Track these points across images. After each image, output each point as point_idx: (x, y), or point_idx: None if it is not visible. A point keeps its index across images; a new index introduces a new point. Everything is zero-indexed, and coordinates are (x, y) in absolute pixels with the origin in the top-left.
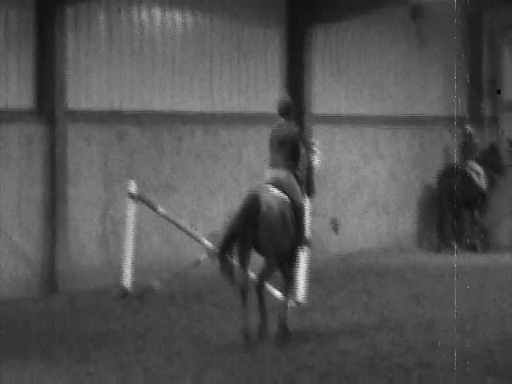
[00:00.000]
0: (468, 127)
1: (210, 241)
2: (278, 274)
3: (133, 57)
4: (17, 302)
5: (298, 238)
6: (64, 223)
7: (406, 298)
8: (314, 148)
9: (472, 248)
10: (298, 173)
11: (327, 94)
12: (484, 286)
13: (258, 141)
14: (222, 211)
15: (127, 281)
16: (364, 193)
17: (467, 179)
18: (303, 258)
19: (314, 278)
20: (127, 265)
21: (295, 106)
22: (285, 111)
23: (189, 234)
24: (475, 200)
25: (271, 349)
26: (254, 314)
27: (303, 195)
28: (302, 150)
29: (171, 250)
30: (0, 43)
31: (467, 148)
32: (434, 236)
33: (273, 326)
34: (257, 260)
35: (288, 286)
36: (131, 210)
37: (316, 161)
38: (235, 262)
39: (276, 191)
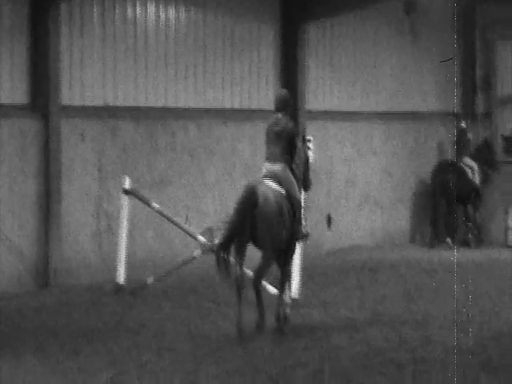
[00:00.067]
0: (462, 123)
1: (204, 236)
2: (272, 270)
3: (127, 52)
4: (10, 297)
5: (294, 231)
6: (58, 218)
7: (400, 293)
8: (309, 144)
9: (465, 243)
10: (294, 167)
11: (321, 90)
12: (477, 281)
13: (252, 136)
14: (216, 207)
15: (121, 276)
16: (358, 188)
17: (461, 175)
18: (297, 253)
19: (307, 273)
20: (121, 260)
21: (292, 100)
22: (282, 105)
23: (183, 229)
24: (469, 195)
25: (265, 344)
26: (249, 310)
27: (299, 189)
28: (299, 144)
29: (165, 245)
30: None
31: (461, 143)
32: (428, 231)
33: (270, 321)
34: (253, 257)
35: (284, 280)
36: (125, 205)
37: (311, 156)
38: (231, 258)
39: (272, 184)
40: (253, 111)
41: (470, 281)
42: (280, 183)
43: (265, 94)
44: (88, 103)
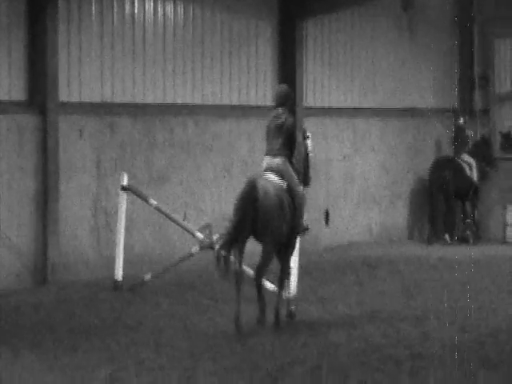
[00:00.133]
0: (460, 119)
1: (202, 233)
2: (271, 267)
3: (125, 49)
4: (8, 294)
5: (294, 225)
6: (56, 215)
7: (398, 289)
8: (308, 140)
9: (463, 240)
10: (293, 161)
11: (319, 86)
12: (476, 277)
13: (250, 132)
14: (214, 203)
15: (119, 273)
16: (355, 185)
17: (459, 171)
18: (295, 249)
19: (305, 270)
20: (119, 257)
21: (293, 95)
22: (282, 100)
23: (181, 226)
24: (467, 192)
25: (263, 341)
26: (249, 306)
27: (299, 184)
28: (299, 139)
29: (163, 241)
30: None
31: (459, 140)
32: (426, 228)
33: (270, 317)
34: (253, 254)
35: (284, 275)
36: (123, 201)
37: (310, 151)
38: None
39: (273, 177)
40: (251, 107)
41: (468, 277)
42: (281, 176)
43: (263, 90)
44: (86, 100)
